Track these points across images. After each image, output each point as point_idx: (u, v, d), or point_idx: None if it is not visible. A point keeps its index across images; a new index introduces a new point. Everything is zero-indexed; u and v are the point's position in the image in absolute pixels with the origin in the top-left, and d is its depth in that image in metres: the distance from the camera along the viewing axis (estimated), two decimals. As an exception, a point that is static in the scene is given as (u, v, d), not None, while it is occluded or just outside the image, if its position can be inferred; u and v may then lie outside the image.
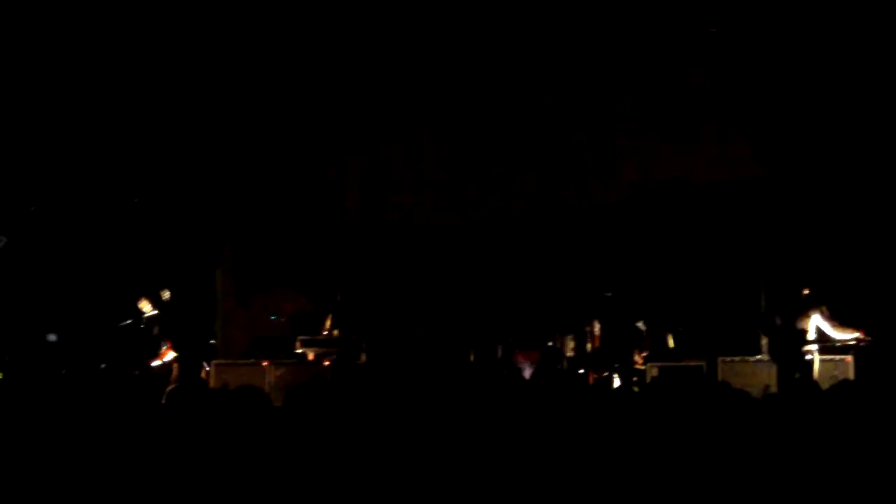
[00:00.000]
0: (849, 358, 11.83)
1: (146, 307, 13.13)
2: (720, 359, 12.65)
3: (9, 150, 13.44)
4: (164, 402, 5.55)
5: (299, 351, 13.21)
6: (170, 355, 12.84)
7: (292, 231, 14.69)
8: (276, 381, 12.49)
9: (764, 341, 12.81)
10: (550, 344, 14.41)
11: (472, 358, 14.18)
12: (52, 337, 13.44)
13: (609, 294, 14.65)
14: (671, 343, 13.70)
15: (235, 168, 14.47)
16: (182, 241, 14.32)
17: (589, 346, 14.62)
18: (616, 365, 13.51)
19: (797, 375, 11.34)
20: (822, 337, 11.77)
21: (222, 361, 13.23)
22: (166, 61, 13.53)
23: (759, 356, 12.78)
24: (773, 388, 11.59)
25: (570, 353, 14.56)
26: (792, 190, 13.94)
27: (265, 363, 12.95)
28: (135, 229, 14.17)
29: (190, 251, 14.36)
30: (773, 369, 11.96)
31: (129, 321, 13.09)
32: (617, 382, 13.33)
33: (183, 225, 14.35)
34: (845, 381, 5.85)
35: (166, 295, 13.14)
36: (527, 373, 13.37)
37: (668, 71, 14.55)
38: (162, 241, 14.18)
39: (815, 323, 11.74)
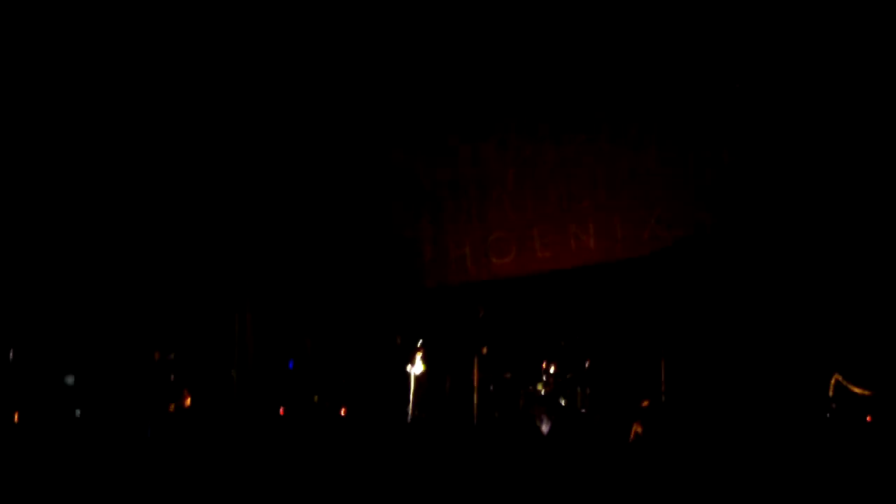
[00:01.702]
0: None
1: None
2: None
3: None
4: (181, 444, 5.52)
5: (316, 400, 13.19)
6: (188, 401, 12.83)
7: (312, 276, 14.69)
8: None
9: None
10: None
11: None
12: (69, 379, 13.43)
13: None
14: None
15: (259, 215, 14.51)
16: (204, 286, 14.31)
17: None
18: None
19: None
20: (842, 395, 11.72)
21: (240, 407, 13.20)
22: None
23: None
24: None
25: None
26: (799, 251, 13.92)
27: (282, 411, 12.93)
28: (158, 272, 14.19)
29: (211, 297, 14.34)
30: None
31: (148, 365, 13.10)
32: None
33: (205, 271, 14.35)
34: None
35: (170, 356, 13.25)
36: (545, 427, 13.27)
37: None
38: (184, 286, 14.18)
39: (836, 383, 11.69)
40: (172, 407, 13.01)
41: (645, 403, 13.00)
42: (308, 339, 14.57)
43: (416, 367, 13.71)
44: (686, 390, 13.73)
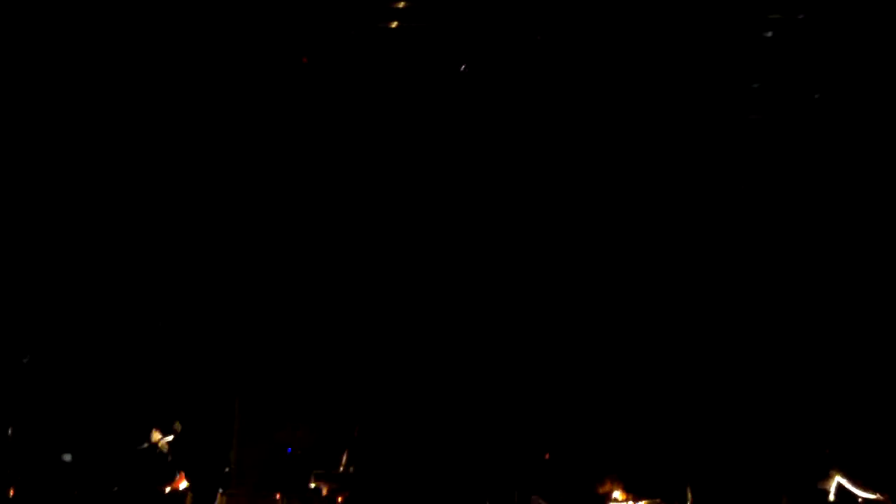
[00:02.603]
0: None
1: (157, 437, 13.15)
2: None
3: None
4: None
5: (313, 486, 13.10)
6: (183, 483, 12.76)
7: (309, 364, 14.67)
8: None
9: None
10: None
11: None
12: (66, 457, 13.36)
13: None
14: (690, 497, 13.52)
15: (255, 299, 14.55)
16: (200, 368, 14.30)
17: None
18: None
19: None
20: (844, 497, 11.65)
21: (234, 492, 13.10)
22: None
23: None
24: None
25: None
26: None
27: (278, 496, 12.84)
28: (153, 353, 14.18)
29: (207, 379, 14.32)
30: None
31: (144, 446, 13.06)
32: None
33: (202, 352, 14.35)
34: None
35: (178, 427, 13.13)
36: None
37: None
38: (180, 367, 14.17)
39: (838, 483, 11.63)
40: (167, 489, 12.95)
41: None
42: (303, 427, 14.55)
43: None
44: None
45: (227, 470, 14.10)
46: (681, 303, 14.33)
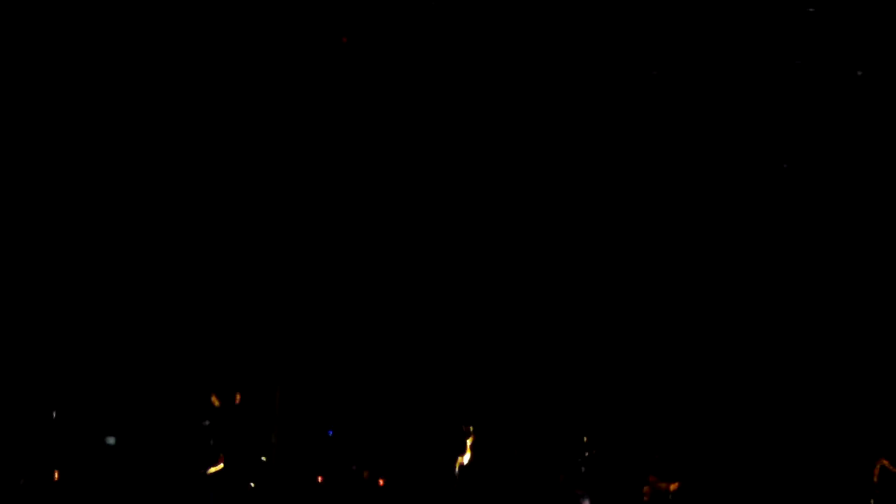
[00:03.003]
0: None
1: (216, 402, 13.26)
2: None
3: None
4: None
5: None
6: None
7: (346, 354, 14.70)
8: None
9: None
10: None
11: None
12: (110, 440, 13.47)
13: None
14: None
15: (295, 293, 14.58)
16: (247, 353, 14.36)
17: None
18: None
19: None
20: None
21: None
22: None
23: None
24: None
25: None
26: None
27: (320, 479, 12.89)
28: (201, 340, 14.26)
29: (250, 364, 14.38)
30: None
31: (186, 427, 13.12)
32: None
33: (248, 340, 14.40)
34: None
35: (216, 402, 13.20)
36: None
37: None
38: (228, 348, 14.23)
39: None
40: (210, 471, 12.99)
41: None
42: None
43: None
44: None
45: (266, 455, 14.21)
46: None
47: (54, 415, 13.06)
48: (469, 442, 13.50)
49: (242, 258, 14.42)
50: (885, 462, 11.74)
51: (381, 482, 13.10)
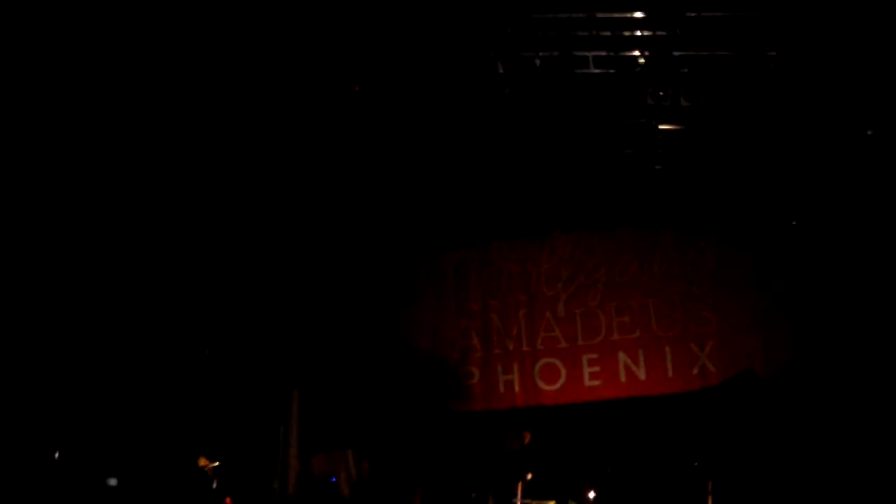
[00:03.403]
0: None
1: (204, 462, 13.03)
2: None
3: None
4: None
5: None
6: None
7: (368, 388, 14.58)
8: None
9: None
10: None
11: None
12: (112, 481, 13.24)
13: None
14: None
15: (312, 316, 14.49)
16: (249, 392, 14.21)
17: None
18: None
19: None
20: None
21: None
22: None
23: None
24: None
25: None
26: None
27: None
28: (202, 379, 14.10)
29: (256, 404, 14.23)
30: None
31: (190, 471, 12.94)
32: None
33: (251, 376, 14.26)
34: None
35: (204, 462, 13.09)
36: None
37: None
38: (229, 391, 14.08)
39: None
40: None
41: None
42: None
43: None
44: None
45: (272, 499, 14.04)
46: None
47: (56, 455, 12.87)
48: None
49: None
50: None
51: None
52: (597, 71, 12.17)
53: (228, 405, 14.06)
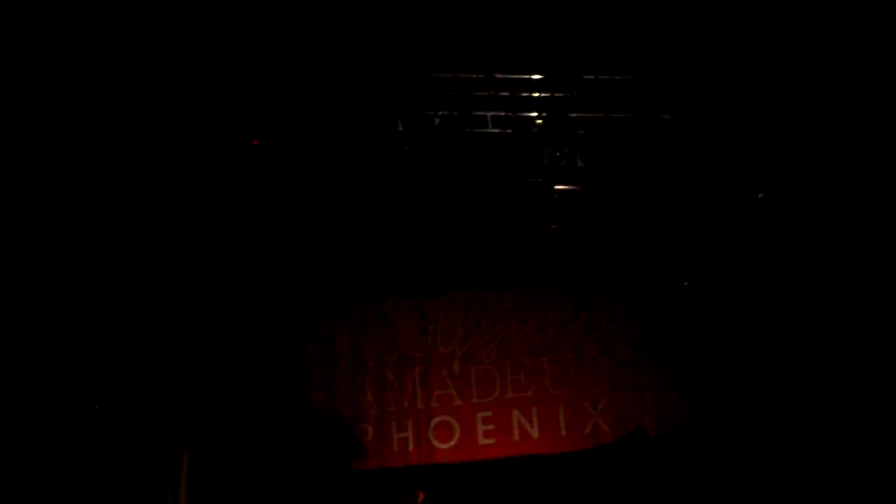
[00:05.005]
0: None
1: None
2: None
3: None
4: None
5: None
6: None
7: (260, 445, 14.36)
8: None
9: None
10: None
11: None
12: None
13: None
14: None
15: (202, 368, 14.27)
16: (137, 450, 13.86)
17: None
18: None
19: None
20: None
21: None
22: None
23: None
24: None
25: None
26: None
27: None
28: (88, 433, 13.71)
29: (144, 461, 13.89)
30: None
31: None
32: None
33: (140, 433, 13.92)
34: None
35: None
36: None
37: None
38: (116, 448, 13.72)
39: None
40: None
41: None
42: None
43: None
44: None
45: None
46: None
47: None
48: None
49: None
50: None
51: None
52: (495, 130, 12.33)
53: (115, 462, 13.69)
